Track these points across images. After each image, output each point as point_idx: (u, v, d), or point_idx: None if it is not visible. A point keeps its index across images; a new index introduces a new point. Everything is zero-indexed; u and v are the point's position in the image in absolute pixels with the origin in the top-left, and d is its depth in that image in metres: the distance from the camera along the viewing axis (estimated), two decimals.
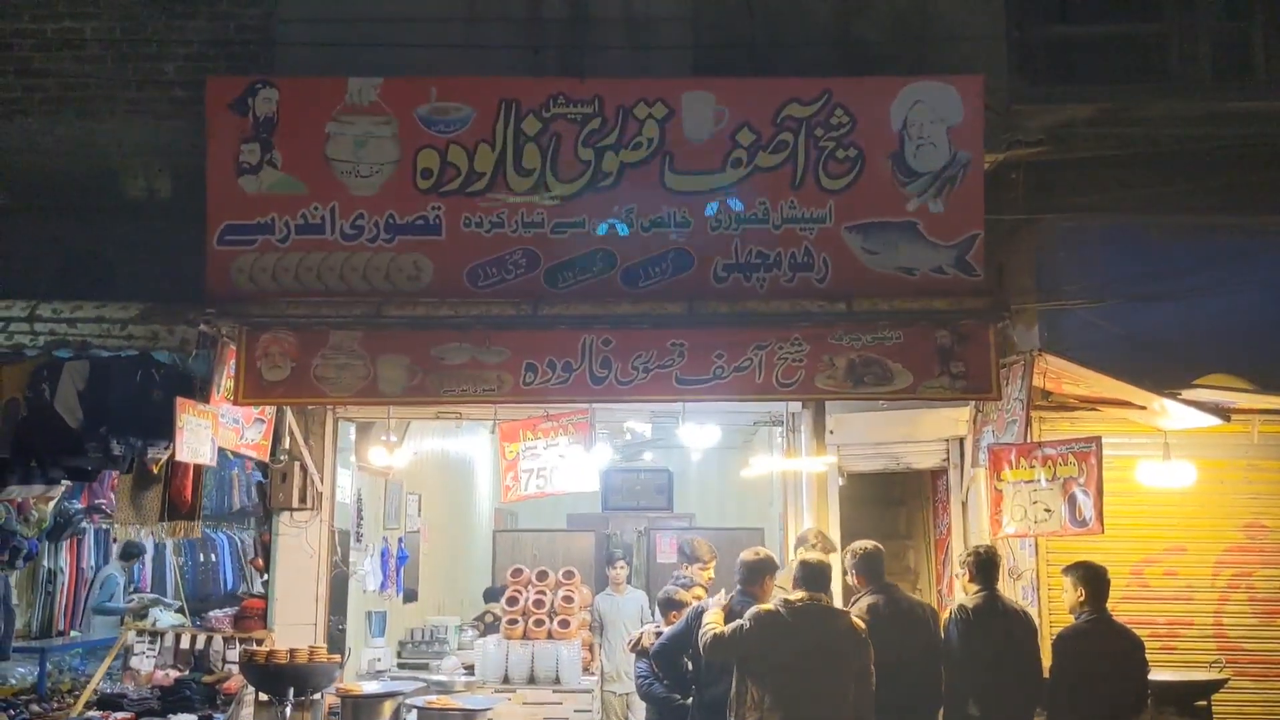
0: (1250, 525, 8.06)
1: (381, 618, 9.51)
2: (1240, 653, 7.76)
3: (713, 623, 5.92)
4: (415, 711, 7.24)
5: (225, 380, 6.87)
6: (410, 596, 10.98)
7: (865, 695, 5.75)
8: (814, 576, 5.90)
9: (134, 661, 8.02)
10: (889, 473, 8.76)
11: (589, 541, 12.73)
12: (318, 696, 7.36)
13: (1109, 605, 6.33)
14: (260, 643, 7.93)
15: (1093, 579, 6.26)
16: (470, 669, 8.75)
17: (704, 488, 17.15)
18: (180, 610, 10.64)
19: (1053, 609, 7.44)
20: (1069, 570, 6.34)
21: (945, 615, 6.18)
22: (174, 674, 7.88)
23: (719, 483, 17.05)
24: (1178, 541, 8.01)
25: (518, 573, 8.93)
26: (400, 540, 10.47)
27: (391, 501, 10.14)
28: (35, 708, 7.97)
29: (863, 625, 5.83)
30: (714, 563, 7.43)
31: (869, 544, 6.45)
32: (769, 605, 5.82)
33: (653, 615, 7.90)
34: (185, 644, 8.08)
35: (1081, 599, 6.24)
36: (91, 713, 7.42)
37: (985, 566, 6.25)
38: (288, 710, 6.70)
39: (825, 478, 8.31)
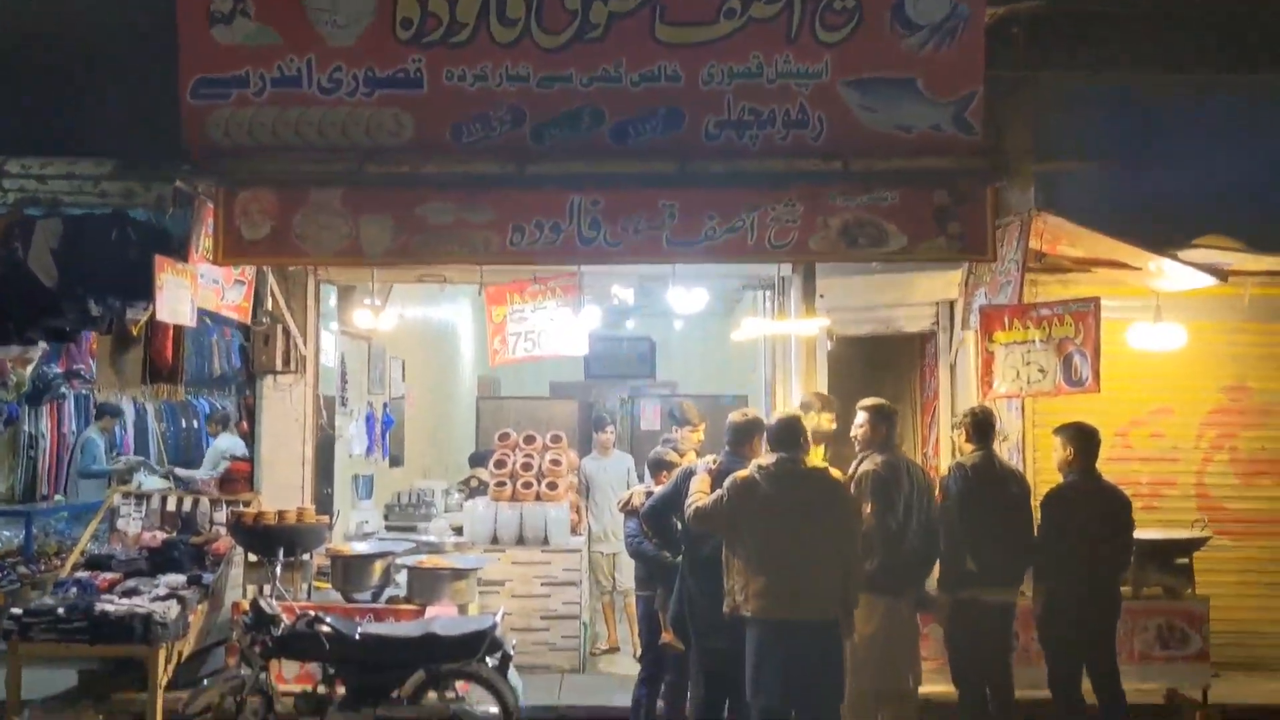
0: (1235, 388, 8.13)
1: (368, 481, 9.53)
2: (1221, 512, 7.89)
3: (698, 493, 5.91)
4: (406, 571, 7.29)
5: (203, 239, 6.70)
6: (396, 461, 11.00)
7: (849, 551, 5.78)
8: (785, 435, 5.88)
9: (120, 524, 8.00)
10: (878, 337, 8.72)
11: (572, 409, 12.73)
12: (307, 557, 7.41)
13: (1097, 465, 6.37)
14: (247, 505, 7.92)
15: (1082, 439, 6.27)
16: (458, 531, 8.81)
17: (687, 355, 17.15)
18: (166, 476, 10.66)
19: (1039, 470, 7.51)
20: (1060, 430, 6.35)
21: (942, 474, 6.20)
22: (161, 536, 7.87)
23: (702, 350, 17.06)
24: (1164, 404, 8.07)
25: (505, 437, 8.92)
26: (385, 405, 10.43)
27: (375, 366, 10.07)
28: (22, 569, 7.99)
29: (842, 476, 5.83)
30: (703, 426, 7.41)
31: (882, 401, 6.44)
32: (745, 472, 5.80)
33: (640, 478, 7.93)
34: (171, 506, 8.05)
35: (1070, 458, 6.26)
36: (80, 573, 7.43)
37: (982, 426, 6.25)
38: (278, 570, 6.71)
39: (814, 342, 8.25)
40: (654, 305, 16.53)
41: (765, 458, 5.94)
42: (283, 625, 6.54)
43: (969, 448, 6.27)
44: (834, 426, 6.95)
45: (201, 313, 9.21)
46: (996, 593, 6.09)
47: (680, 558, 6.30)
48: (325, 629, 6.44)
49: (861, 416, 6.39)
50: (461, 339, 14.57)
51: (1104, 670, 6.25)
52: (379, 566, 7.28)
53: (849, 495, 5.85)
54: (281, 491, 8.02)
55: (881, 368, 9.21)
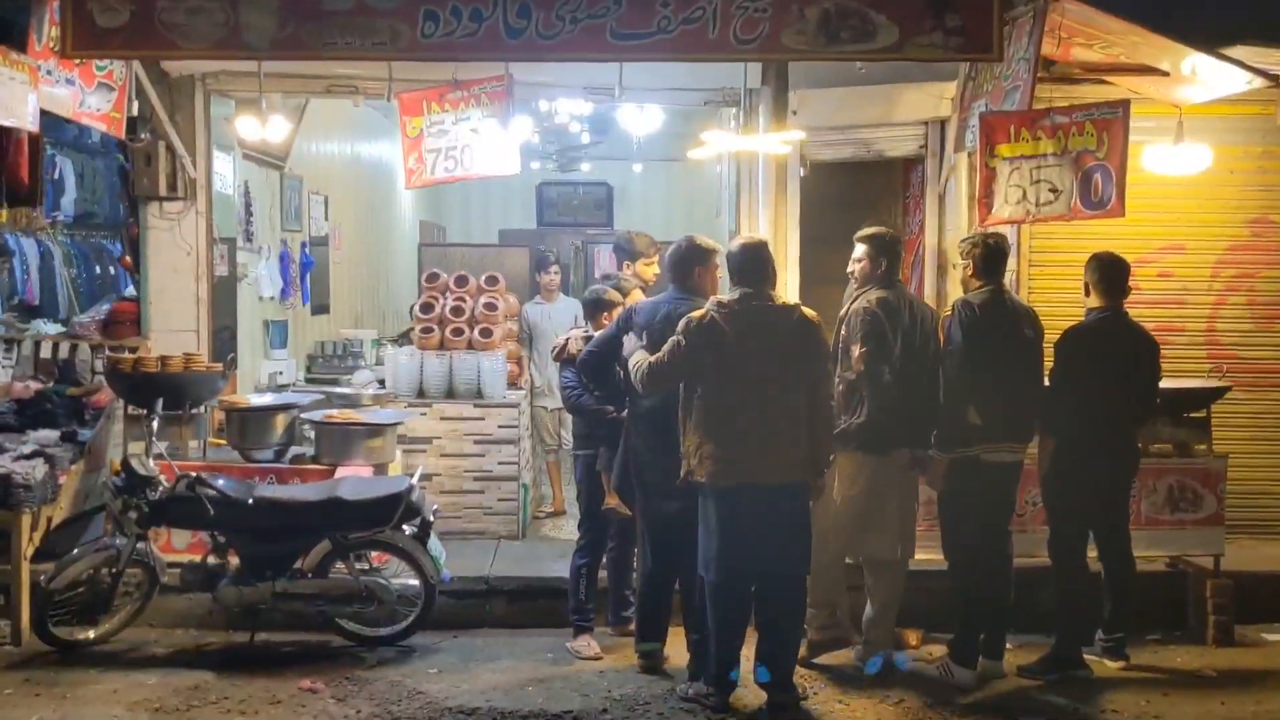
0: (1258, 221, 7.20)
1: (282, 328, 8.51)
2: (1234, 361, 7.03)
3: (639, 361, 4.95)
4: (314, 427, 6.35)
5: (50, 27, 5.51)
6: (321, 308, 9.96)
7: (821, 400, 4.89)
8: (750, 265, 4.91)
9: None
10: (856, 164, 7.68)
11: (522, 258, 11.70)
12: (199, 410, 6.44)
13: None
14: (134, 351, 6.90)
15: (1110, 270, 5.36)
16: (385, 385, 7.83)
17: (647, 202, 16.05)
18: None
19: (1035, 307, 6.57)
20: (1087, 264, 5.43)
21: (945, 314, 5.25)
22: (35, 386, 6.86)
23: (664, 196, 15.96)
24: (1176, 240, 7.13)
25: (433, 278, 7.88)
26: (304, 245, 9.34)
27: (290, 200, 8.93)
28: None
29: (815, 317, 4.89)
30: (659, 257, 6.39)
31: (883, 229, 5.46)
32: (701, 312, 4.85)
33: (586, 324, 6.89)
34: (46, 353, 7.03)
35: (1094, 293, 5.36)
36: None
37: (993, 258, 5.28)
38: (154, 424, 5.73)
39: (785, 167, 7.21)
40: (611, 146, 15.41)
41: (725, 295, 4.97)
42: (160, 488, 5.62)
43: (975, 283, 5.32)
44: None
45: (87, 131, 8.07)
46: (1003, 451, 5.22)
47: (625, 412, 5.38)
48: (209, 492, 5.52)
49: (860, 249, 5.41)
50: (400, 179, 13.37)
51: (1115, 535, 5.46)
52: (281, 421, 6.33)
53: (823, 338, 4.92)
54: (173, 337, 7.00)
55: (860, 205, 8.19)
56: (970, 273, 5.35)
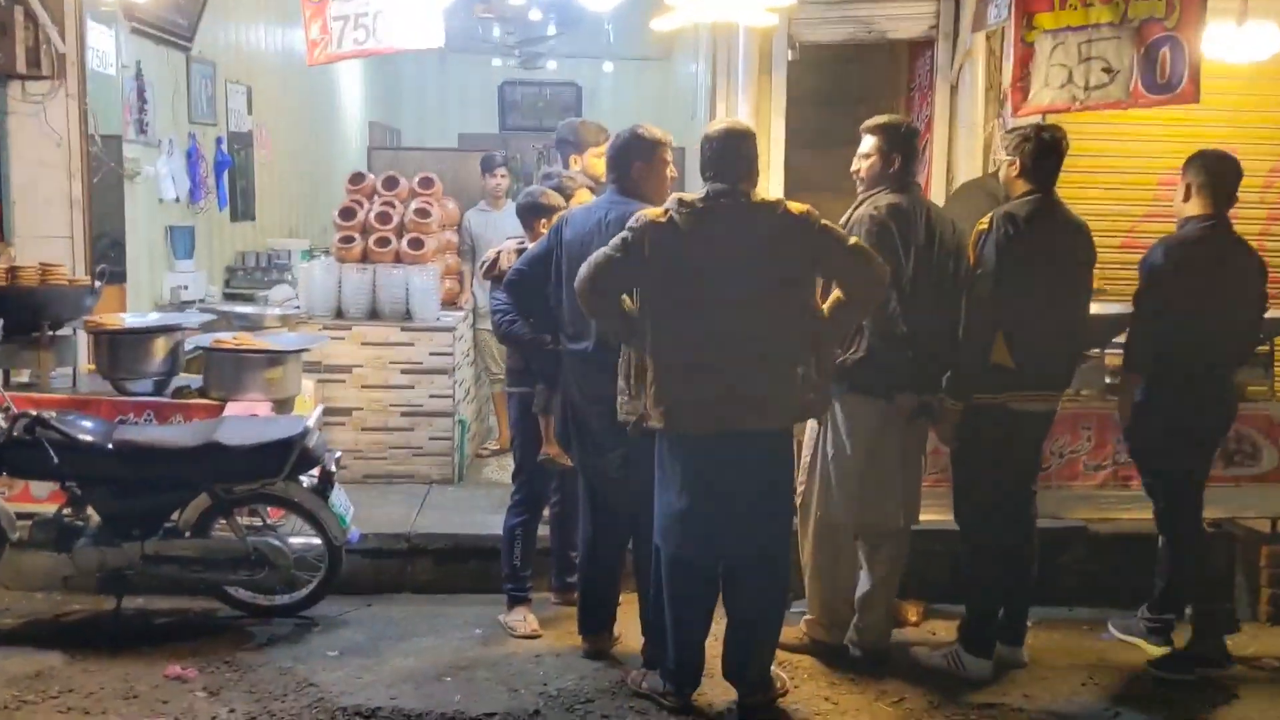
0: None
1: (187, 235, 7.38)
2: None
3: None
4: (202, 354, 5.29)
5: None
6: (244, 214, 8.81)
7: (803, 322, 3.83)
8: (724, 156, 3.83)
9: None
10: (854, 50, 6.57)
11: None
12: (67, 332, 5.37)
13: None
14: None
15: (1219, 170, 4.33)
16: None
17: (619, 104, 14.83)
18: None
19: None
20: (1188, 162, 4.40)
21: (981, 226, 4.19)
22: None
23: (636, 99, 14.73)
24: (1225, 141, 6.05)
25: (358, 179, 6.75)
26: (220, 141, 8.17)
27: (199, 88, 7.74)
28: None
29: (807, 211, 3.83)
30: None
31: (897, 118, 4.40)
32: (656, 212, 3.79)
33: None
34: None
35: (1199, 199, 4.33)
36: None
37: (1047, 156, 4.20)
38: None
39: (770, 49, 6.14)
40: (580, 42, 14.16)
41: (691, 193, 3.90)
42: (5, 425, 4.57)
43: (1021, 187, 4.26)
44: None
45: None
46: (1036, 400, 4.22)
47: (569, 340, 4.34)
48: (53, 435, 4.48)
49: (868, 142, 4.34)
50: (344, 75, 12.13)
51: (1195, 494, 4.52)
52: (161, 347, 5.25)
53: (825, 238, 3.81)
54: (42, 245, 5.89)
55: (855, 96, 7.10)
56: (1015, 173, 4.27)
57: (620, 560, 4.48)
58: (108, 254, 6.15)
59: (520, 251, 4.68)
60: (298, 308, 6.41)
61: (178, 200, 7.33)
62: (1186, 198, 4.36)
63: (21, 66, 5.69)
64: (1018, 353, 4.10)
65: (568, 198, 4.88)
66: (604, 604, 4.49)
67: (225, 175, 8.26)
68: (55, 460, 4.45)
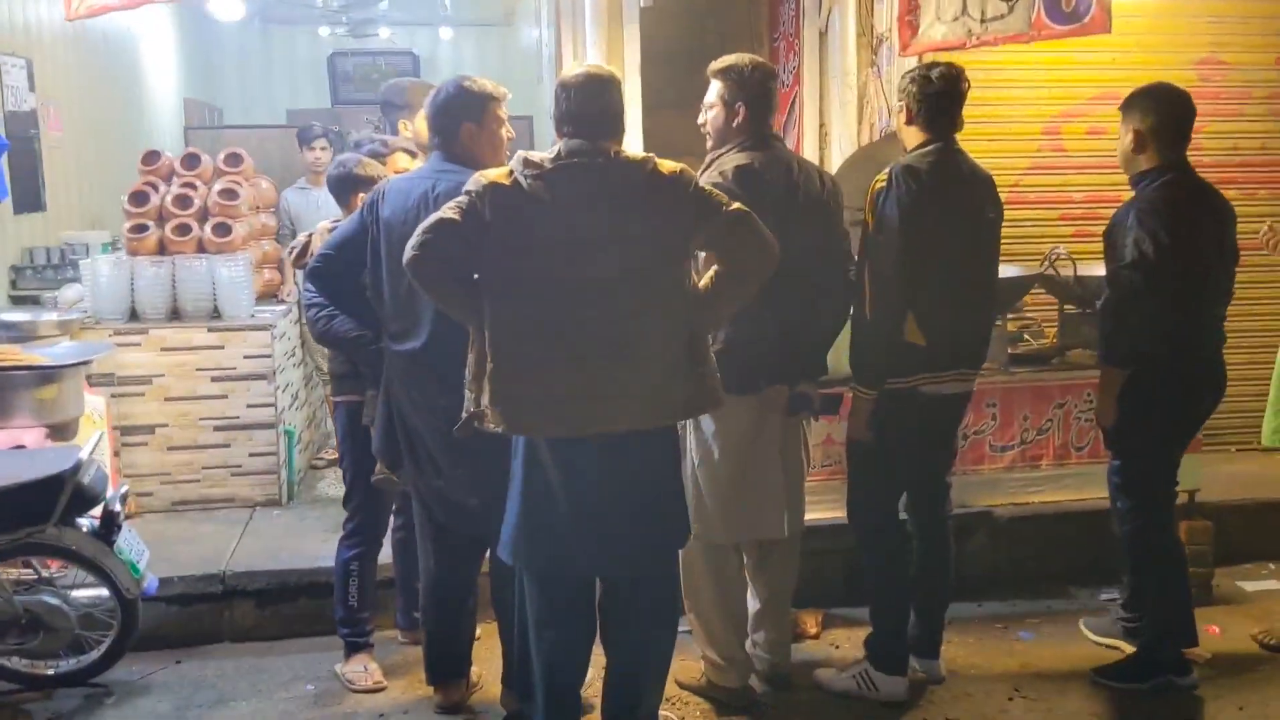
0: (1204, 62, 5.80)
1: None
2: None
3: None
4: None
5: None
6: (31, 205, 7.71)
7: (679, 303, 3.13)
8: (582, 106, 3.13)
9: None
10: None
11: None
12: None
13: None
14: None
15: (1177, 110, 3.78)
16: None
17: (458, 73, 13.91)
18: None
19: None
20: (1131, 103, 3.85)
21: (878, 184, 3.58)
22: None
23: (477, 67, 13.84)
24: (1107, 87, 5.62)
25: (152, 158, 5.81)
26: None
27: None
28: None
29: (688, 173, 3.15)
30: None
31: (747, 58, 3.68)
32: (497, 173, 3.08)
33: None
34: None
35: (1155, 146, 3.78)
36: None
37: (942, 101, 3.61)
38: None
39: (619, 1, 5.49)
40: (414, 9, 13.21)
41: (539, 152, 3.19)
42: None
43: (915, 135, 3.68)
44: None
45: None
46: (950, 380, 3.67)
47: (393, 339, 3.59)
48: None
49: (712, 89, 3.69)
50: (151, 48, 10.96)
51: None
52: None
53: (700, 197, 3.13)
54: None
55: (711, 49, 6.46)
56: (907, 120, 3.69)
57: (470, 595, 3.78)
58: None
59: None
60: (87, 311, 5.49)
61: None
62: (1139, 148, 3.81)
63: None
64: (929, 328, 3.52)
65: (385, 161, 4.14)
66: (455, 648, 3.79)
67: (3, 161, 7.16)
68: None
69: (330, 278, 3.60)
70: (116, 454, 5.18)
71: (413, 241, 3.02)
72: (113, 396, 5.14)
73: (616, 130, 3.20)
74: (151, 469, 5.26)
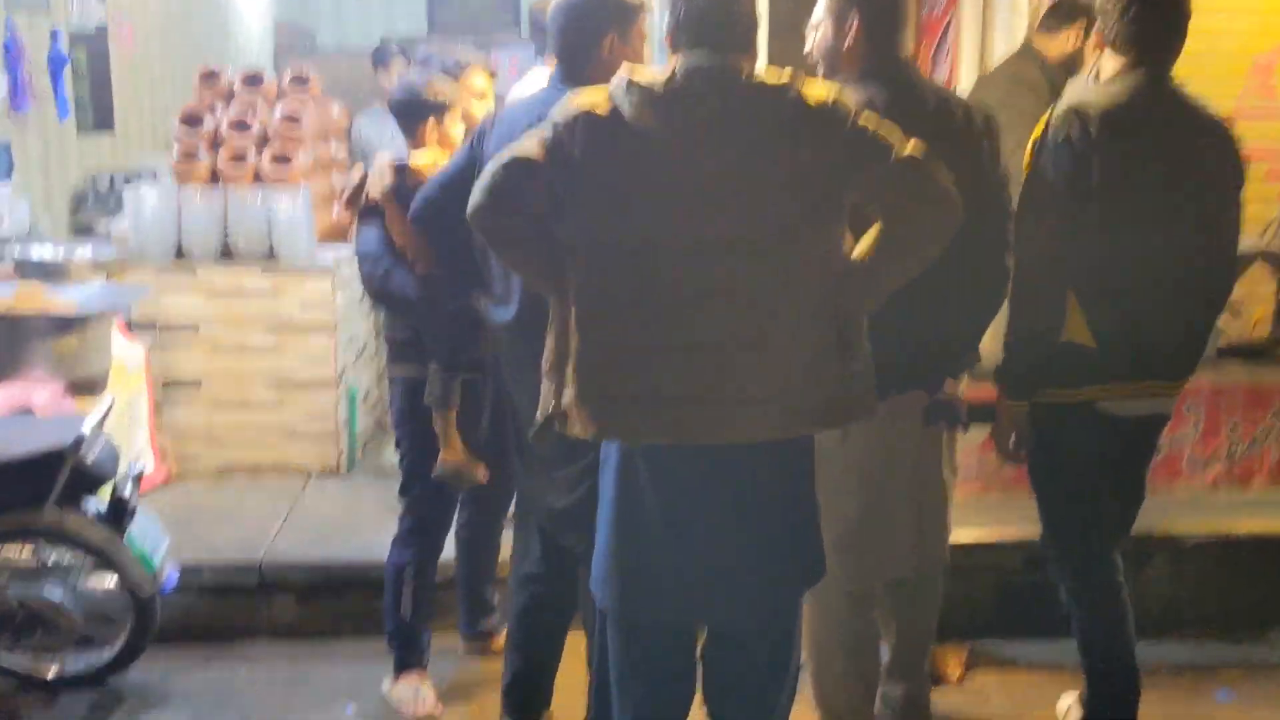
0: None
1: (2, 152, 5.76)
2: None
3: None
4: None
5: None
6: (98, 123, 7.17)
7: (828, 274, 2.29)
8: (710, 10, 2.33)
9: None
10: None
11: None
12: None
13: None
14: None
15: None
16: None
17: None
18: None
19: None
20: None
21: (1037, 133, 2.74)
22: None
23: None
24: None
25: (211, 78, 5.14)
26: (55, 35, 6.49)
27: None
28: None
29: (844, 103, 2.31)
30: (490, 86, 3.73)
31: None
32: (590, 98, 2.30)
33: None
34: None
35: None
36: None
37: (1158, 8, 2.74)
38: None
39: None
40: None
41: (647, 69, 2.40)
42: None
43: (1111, 67, 2.80)
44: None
45: None
46: (1140, 393, 2.82)
47: (493, 304, 2.85)
48: None
49: (821, 5, 2.84)
50: None
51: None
52: None
53: (864, 142, 2.27)
54: None
55: None
56: (1101, 41, 2.83)
57: (566, 623, 3.08)
58: None
59: (401, 170, 3.20)
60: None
61: None
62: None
63: None
64: (1101, 324, 2.67)
65: (470, 91, 3.40)
66: (541, 680, 3.10)
67: (65, 77, 6.60)
68: None
69: (437, 226, 2.85)
70: (158, 409, 4.60)
71: (479, 184, 2.28)
72: (152, 347, 4.54)
73: (749, 43, 2.40)
74: (195, 428, 4.66)
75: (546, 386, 2.32)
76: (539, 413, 2.35)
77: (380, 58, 5.71)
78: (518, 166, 2.27)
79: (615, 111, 2.26)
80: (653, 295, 2.25)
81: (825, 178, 2.29)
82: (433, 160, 3.18)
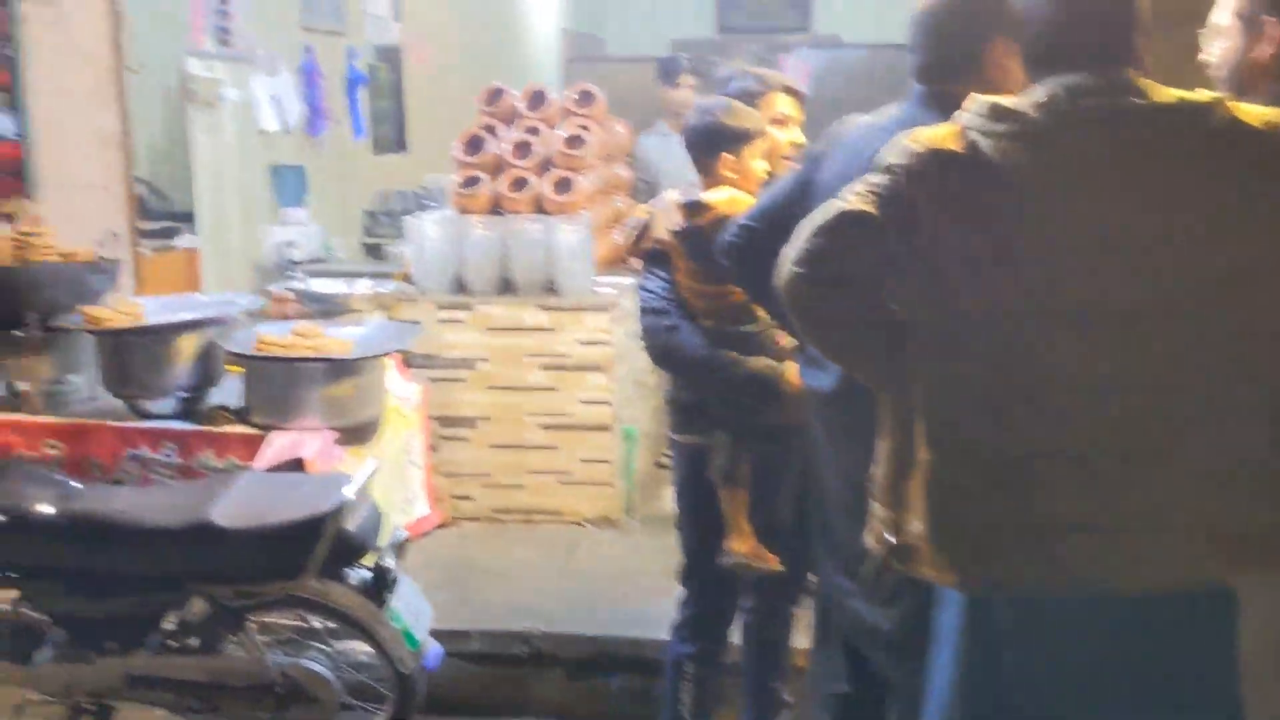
0: None
1: (297, 176, 5.81)
2: None
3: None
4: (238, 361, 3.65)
5: None
6: (392, 144, 7.23)
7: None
8: (1084, 12, 1.77)
9: None
10: None
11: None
12: (65, 326, 3.84)
13: None
14: (10, 219, 4.37)
15: None
16: None
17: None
18: None
19: None
20: None
21: None
22: None
23: None
24: None
25: (495, 96, 4.91)
26: (351, 54, 6.55)
27: None
28: None
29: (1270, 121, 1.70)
30: (797, 116, 3.14)
31: None
32: (936, 134, 1.76)
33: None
34: None
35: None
36: None
37: None
38: None
39: None
40: None
41: (1012, 96, 1.83)
42: None
43: None
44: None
45: None
46: None
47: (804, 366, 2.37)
48: None
49: (1223, 5, 2.15)
50: None
51: None
52: (186, 349, 3.65)
53: None
54: (72, 195, 4.41)
55: None
56: None
57: None
58: (155, 204, 4.63)
59: (691, 207, 2.77)
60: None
61: (286, 131, 5.76)
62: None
63: None
64: None
65: (777, 114, 2.91)
66: None
67: (360, 97, 6.65)
68: None
69: (753, 262, 2.39)
70: (433, 448, 4.40)
71: (793, 252, 1.80)
72: (430, 380, 4.33)
73: (1136, 52, 1.80)
74: (471, 468, 4.44)
75: (881, 513, 1.81)
76: (868, 537, 1.85)
77: (668, 72, 5.34)
78: (845, 225, 1.77)
79: (973, 148, 1.73)
80: (1033, 386, 1.71)
81: (1272, 222, 1.67)
82: (729, 199, 2.73)
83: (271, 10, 5.67)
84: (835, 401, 2.18)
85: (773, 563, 2.77)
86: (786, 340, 2.67)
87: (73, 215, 4.31)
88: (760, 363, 2.71)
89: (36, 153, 4.42)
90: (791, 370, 2.64)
